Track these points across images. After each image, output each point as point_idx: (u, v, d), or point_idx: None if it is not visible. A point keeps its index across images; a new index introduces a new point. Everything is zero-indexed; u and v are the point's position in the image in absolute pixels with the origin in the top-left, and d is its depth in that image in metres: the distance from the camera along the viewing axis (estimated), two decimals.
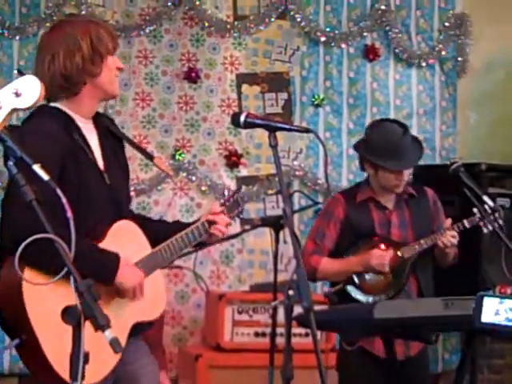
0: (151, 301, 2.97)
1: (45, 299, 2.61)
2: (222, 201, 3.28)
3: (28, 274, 2.63)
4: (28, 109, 2.13)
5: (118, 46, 3.03)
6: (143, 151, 3.31)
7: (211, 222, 3.13)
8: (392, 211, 4.13)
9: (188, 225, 3.15)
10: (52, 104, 2.94)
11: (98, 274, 2.68)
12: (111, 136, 3.05)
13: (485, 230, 4.05)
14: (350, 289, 4.03)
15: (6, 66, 5.39)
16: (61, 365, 2.58)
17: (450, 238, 4.01)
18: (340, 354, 4.11)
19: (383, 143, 4.02)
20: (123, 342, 2.85)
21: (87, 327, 2.12)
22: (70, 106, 2.93)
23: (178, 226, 3.16)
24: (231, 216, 3.23)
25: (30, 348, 2.66)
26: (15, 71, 5.26)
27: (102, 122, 3.04)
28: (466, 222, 4.05)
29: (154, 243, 3.02)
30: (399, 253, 4.04)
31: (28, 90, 2.07)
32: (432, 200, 4.21)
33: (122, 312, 2.88)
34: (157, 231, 3.07)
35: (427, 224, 4.15)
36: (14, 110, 2.09)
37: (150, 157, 3.26)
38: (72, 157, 2.83)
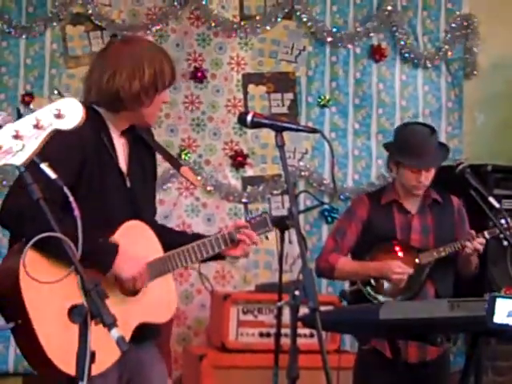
0: (160, 303, 2.96)
1: (41, 286, 2.58)
2: (248, 218, 3.24)
3: (29, 255, 2.63)
4: (68, 130, 2.09)
5: (175, 82, 3.02)
6: (172, 160, 3.25)
7: (233, 238, 3.09)
8: (414, 215, 4.12)
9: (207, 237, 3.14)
10: (90, 104, 2.94)
11: (95, 262, 2.69)
12: (142, 143, 3.06)
13: (505, 243, 4.06)
14: (367, 290, 4.04)
15: (12, 64, 5.39)
16: (53, 350, 2.66)
17: (477, 244, 3.99)
18: (357, 353, 4.14)
19: (407, 141, 4.03)
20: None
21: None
22: (105, 113, 2.95)
23: (197, 238, 3.11)
24: (258, 233, 3.18)
25: (24, 332, 2.70)
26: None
27: (135, 129, 3.04)
28: (486, 233, 4.05)
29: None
30: (417, 260, 4.05)
31: (70, 113, 2.06)
32: (457, 209, 4.19)
33: (127, 310, 2.86)
34: (174, 241, 3.04)
35: (449, 231, 4.14)
36: (55, 131, 2.06)
37: (177, 166, 3.22)
38: (94, 153, 2.85)
